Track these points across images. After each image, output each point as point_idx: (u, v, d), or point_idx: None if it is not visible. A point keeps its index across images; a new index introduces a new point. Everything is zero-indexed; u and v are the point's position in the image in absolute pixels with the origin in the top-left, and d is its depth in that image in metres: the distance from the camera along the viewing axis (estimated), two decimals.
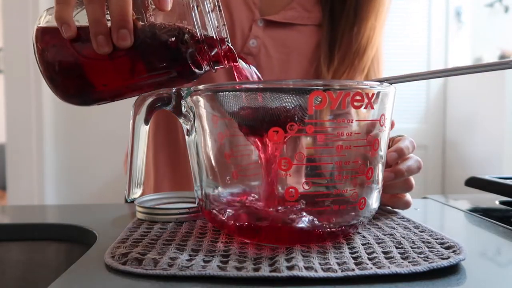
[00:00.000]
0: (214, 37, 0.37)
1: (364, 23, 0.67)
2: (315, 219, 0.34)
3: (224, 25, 0.38)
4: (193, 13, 0.36)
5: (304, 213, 0.33)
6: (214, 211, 0.37)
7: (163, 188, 0.72)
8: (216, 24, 0.37)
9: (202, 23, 0.37)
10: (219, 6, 0.37)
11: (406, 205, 0.48)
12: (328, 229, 0.34)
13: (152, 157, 0.73)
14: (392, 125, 0.49)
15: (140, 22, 0.37)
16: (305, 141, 0.34)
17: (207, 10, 0.37)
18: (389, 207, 0.49)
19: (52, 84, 0.39)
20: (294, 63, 0.69)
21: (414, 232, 0.38)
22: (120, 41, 0.35)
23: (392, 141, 0.49)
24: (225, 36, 0.38)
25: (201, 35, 0.37)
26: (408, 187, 0.47)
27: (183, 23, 0.37)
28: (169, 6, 0.36)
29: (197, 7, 0.37)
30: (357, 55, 0.67)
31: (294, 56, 0.69)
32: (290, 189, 0.31)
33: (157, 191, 0.72)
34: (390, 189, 0.46)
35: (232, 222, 0.36)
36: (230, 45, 0.38)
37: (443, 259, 0.30)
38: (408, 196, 0.48)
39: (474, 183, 0.60)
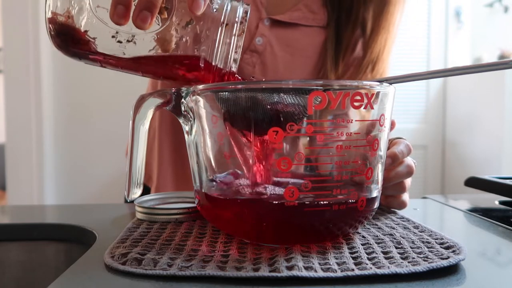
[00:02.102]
0: (228, 60, 0.37)
1: (375, 39, 0.68)
2: (314, 218, 0.34)
3: (241, 46, 0.38)
4: (220, 29, 0.36)
5: (304, 212, 0.33)
6: (214, 211, 0.37)
7: (166, 182, 0.72)
8: (235, 48, 0.37)
9: (223, 41, 0.37)
10: (243, 31, 0.38)
11: (401, 205, 0.48)
12: (328, 229, 0.34)
13: (156, 152, 0.74)
14: (393, 125, 0.49)
15: (166, 13, 0.36)
16: (305, 141, 0.34)
17: (233, 32, 0.37)
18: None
19: (53, 32, 0.38)
20: (299, 64, 0.70)
21: (414, 232, 0.38)
22: (139, 21, 0.34)
23: (389, 143, 0.49)
24: (237, 58, 0.38)
25: (215, 63, 0.37)
26: (401, 189, 0.47)
27: (206, 33, 0.37)
28: (200, 12, 0.36)
29: (226, 25, 0.37)
30: (366, 69, 0.68)
31: (298, 57, 0.70)
32: (290, 189, 0.31)
33: (160, 185, 0.73)
34: (383, 190, 0.47)
35: (231, 222, 0.36)
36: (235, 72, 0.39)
37: (442, 259, 0.30)
38: (404, 196, 0.48)
39: (474, 183, 0.60)
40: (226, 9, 0.37)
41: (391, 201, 0.48)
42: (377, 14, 0.68)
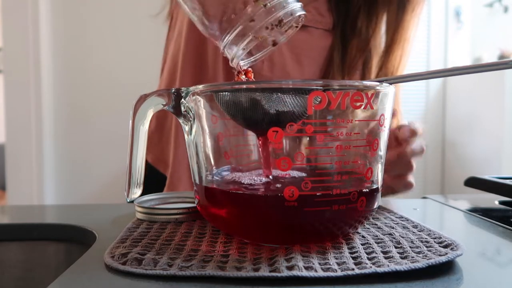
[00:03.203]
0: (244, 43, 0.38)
1: (390, 57, 0.69)
2: (314, 218, 0.34)
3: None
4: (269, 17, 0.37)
5: (304, 212, 0.33)
6: (213, 211, 0.37)
7: (181, 169, 0.72)
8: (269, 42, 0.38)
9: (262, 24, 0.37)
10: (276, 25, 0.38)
11: (407, 186, 0.47)
12: (328, 229, 0.34)
13: (173, 138, 0.73)
14: (395, 113, 0.49)
15: None
16: (305, 141, 0.34)
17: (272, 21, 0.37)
18: (390, 195, 0.49)
19: None
20: (305, 66, 0.71)
21: (413, 232, 0.38)
22: None
23: (398, 128, 0.48)
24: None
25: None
26: (410, 168, 0.47)
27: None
28: None
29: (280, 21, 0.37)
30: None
31: (304, 59, 0.71)
32: (290, 189, 0.31)
33: (175, 171, 0.72)
34: (392, 169, 0.46)
35: (231, 221, 0.36)
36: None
37: (441, 255, 0.30)
38: (410, 177, 0.48)
39: (474, 183, 0.60)
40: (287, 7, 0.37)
41: (398, 182, 0.47)
42: (392, 30, 0.68)
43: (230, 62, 0.40)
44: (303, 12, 0.38)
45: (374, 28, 0.69)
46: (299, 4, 0.38)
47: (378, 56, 0.70)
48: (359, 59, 0.70)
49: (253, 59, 0.41)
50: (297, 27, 0.40)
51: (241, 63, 0.40)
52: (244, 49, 0.38)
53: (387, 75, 0.69)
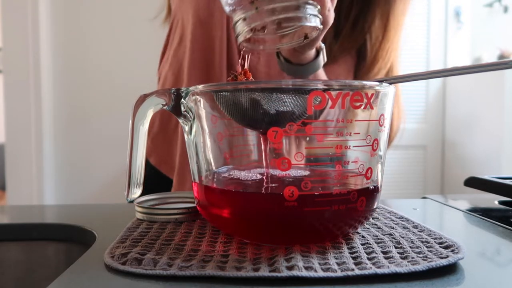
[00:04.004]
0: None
1: (387, 42, 0.69)
2: (314, 218, 0.34)
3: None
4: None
5: (304, 212, 0.33)
6: (213, 211, 0.37)
7: (186, 177, 0.72)
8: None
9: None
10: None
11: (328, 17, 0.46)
12: (328, 229, 0.34)
13: (179, 149, 0.73)
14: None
15: None
16: (304, 141, 0.34)
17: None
18: None
19: None
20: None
21: (413, 232, 0.38)
22: None
23: None
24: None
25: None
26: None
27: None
28: None
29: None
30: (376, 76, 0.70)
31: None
32: (290, 189, 0.31)
33: (180, 181, 0.72)
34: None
35: (231, 222, 0.36)
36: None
37: (441, 258, 0.30)
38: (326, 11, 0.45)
39: (473, 183, 0.60)
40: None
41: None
42: (386, 17, 0.68)
43: (235, 37, 0.41)
44: (304, 24, 0.39)
45: (369, 17, 0.69)
46: (302, 14, 0.38)
47: (373, 43, 0.70)
48: (351, 48, 0.70)
49: (257, 47, 0.42)
50: (306, 36, 0.41)
51: (245, 44, 0.41)
52: (248, 31, 0.39)
53: (385, 62, 0.69)
